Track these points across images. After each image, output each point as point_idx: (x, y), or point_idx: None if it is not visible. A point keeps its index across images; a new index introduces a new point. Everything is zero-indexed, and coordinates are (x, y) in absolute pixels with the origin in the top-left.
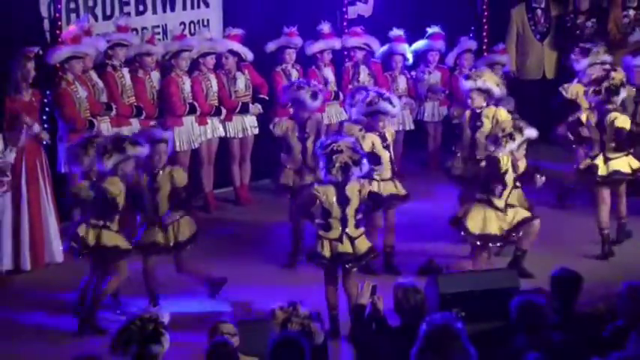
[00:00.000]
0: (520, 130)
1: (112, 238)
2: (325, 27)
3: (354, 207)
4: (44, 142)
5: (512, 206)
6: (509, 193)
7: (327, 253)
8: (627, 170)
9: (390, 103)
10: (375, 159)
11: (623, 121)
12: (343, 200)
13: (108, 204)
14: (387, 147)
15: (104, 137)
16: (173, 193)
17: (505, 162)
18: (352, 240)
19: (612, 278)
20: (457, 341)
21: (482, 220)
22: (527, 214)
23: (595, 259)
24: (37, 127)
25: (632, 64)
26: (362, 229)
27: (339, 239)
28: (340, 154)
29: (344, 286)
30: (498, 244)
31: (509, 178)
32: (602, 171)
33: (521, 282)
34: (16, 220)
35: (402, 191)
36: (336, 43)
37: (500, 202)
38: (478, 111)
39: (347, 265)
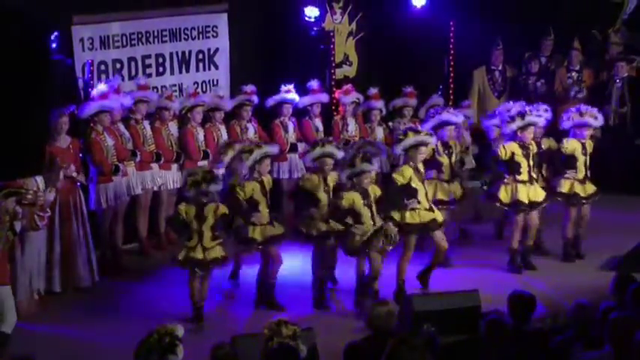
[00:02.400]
0: (522, 116)
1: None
2: (314, 84)
3: (209, 224)
4: (78, 183)
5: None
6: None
7: (182, 257)
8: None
9: (369, 161)
10: (356, 215)
11: None
12: (201, 218)
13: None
14: (368, 205)
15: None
16: None
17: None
18: (205, 249)
19: (557, 298)
20: (417, 353)
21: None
22: None
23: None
24: (72, 169)
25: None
26: (218, 241)
27: (194, 248)
28: (194, 176)
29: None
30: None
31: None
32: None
33: (481, 302)
34: (49, 249)
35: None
36: (323, 98)
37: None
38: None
39: (195, 269)
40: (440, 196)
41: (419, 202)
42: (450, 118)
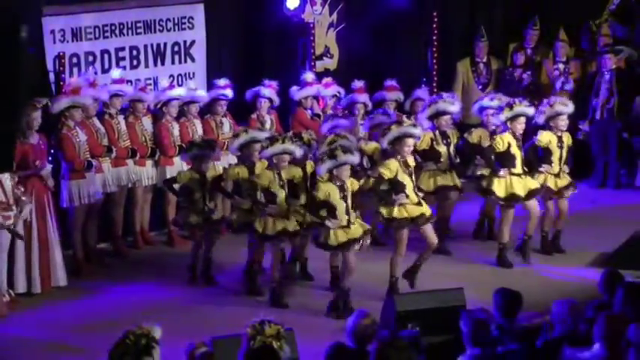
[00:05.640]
0: (510, 107)
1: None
2: (308, 76)
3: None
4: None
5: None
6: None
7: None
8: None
9: (351, 152)
10: (330, 208)
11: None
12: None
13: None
14: (344, 197)
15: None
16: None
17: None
18: None
19: (545, 295)
20: (404, 353)
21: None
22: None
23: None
24: (46, 170)
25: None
26: None
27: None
28: None
29: None
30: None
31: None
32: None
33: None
34: (27, 250)
35: (356, 235)
36: (318, 90)
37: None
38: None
39: None
40: (441, 182)
41: (407, 197)
42: (446, 108)
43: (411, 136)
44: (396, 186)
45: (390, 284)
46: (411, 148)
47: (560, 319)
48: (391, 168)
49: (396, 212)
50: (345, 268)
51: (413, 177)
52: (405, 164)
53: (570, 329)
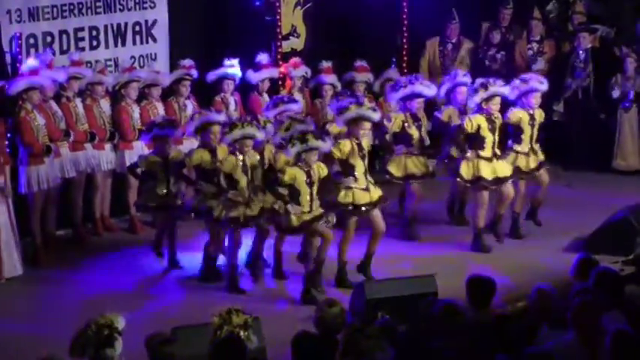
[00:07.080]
0: (485, 87)
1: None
2: (263, 58)
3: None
4: (8, 196)
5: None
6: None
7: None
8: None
9: (322, 139)
10: (294, 192)
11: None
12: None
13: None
14: (310, 183)
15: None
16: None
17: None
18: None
19: (519, 281)
20: (374, 341)
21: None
22: None
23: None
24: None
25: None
26: None
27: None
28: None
29: None
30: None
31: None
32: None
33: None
34: None
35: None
36: (275, 73)
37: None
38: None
39: None
40: (411, 170)
41: (356, 180)
42: (421, 91)
43: (367, 119)
44: (346, 168)
45: (338, 270)
46: (366, 132)
47: (534, 307)
48: (342, 149)
49: (342, 196)
50: (307, 249)
51: (366, 160)
52: (360, 147)
53: (544, 316)
